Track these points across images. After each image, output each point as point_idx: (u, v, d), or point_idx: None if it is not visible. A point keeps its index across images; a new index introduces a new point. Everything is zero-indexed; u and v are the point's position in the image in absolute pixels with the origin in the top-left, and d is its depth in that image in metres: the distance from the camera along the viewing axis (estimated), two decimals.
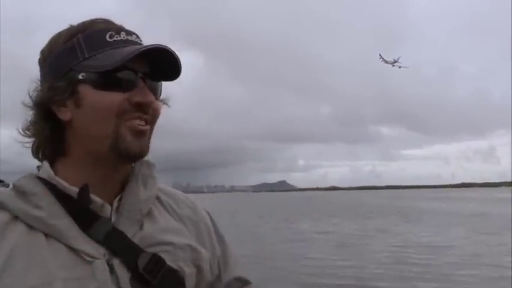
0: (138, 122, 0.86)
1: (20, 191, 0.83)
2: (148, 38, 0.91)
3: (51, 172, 0.87)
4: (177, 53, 0.87)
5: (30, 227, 0.80)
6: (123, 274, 0.83)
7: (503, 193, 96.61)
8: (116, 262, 0.83)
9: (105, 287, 0.80)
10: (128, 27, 0.92)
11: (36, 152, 0.91)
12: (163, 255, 0.87)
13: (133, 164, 0.95)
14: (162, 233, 0.91)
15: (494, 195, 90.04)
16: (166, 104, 0.96)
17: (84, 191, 0.84)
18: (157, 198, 0.98)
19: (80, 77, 0.85)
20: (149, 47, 0.84)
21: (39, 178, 0.86)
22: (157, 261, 0.86)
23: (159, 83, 0.93)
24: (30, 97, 0.88)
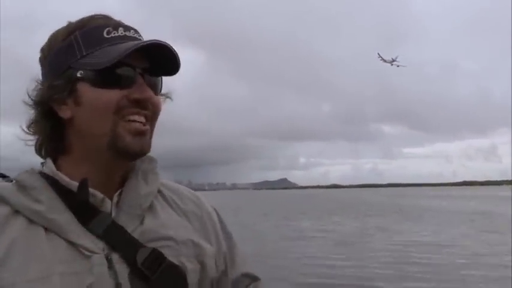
0: (137, 117, 0.86)
1: (20, 186, 0.84)
2: (150, 36, 0.89)
3: (54, 168, 0.88)
4: (178, 50, 0.87)
5: (31, 221, 0.81)
6: (122, 269, 0.82)
7: (505, 191, 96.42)
8: (114, 257, 0.83)
9: (102, 282, 0.80)
10: (129, 24, 0.91)
11: (40, 150, 0.92)
12: (164, 251, 0.86)
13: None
14: (164, 228, 0.90)
15: (495, 193, 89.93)
16: (170, 98, 0.96)
17: (83, 184, 0.84)
18: (161, 193, 0.97)
19: (78, 74, 0.85)
20: (146, 43, 0.84)
21: (42, 173, 0.87)
22: (156, 256, 0.85)
23: (159, 78, 0.92)
24: (30, 96, 0.89)
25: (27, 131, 0.91)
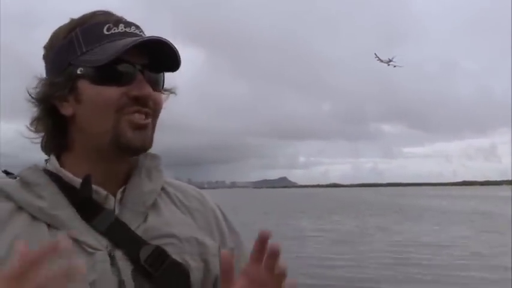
0: (137, 116, 0.85)
1: (24, 182, 0.85)
2: (150, 33, 0.90)
3: (57, 164, 0.88)
4: (179, 48, 0.86)
5: (34, 217, 0.81)
6: (125, 266, 0.82)
7: (504, 191, 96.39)
8: (117, 254, 0.82)
9: (105, 279, 0.80)
10: (131, 20, 0.91)
11: (45, 147, 0.92)
12: (167, 248, 0.86)
13: (138, 157, 0.94)
14: (167, 225, 0.90)
15: (495, 193, 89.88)
16: (174, 93, 0.96)
17: (86, 181, 0.84)
18: (165, 191, 0.97)
19: (79, 72, 0.85)
20: (144, 39, 0.83)
21: (45, 170, 0.88)
22: (160, 253, 0.85)
23: (161, 75, 0.92)
24: (31, 94, 0.89)
25: (31, 128, 0.91)
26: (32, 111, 0.90)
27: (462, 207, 39.96)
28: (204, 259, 0.91)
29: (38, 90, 0.88)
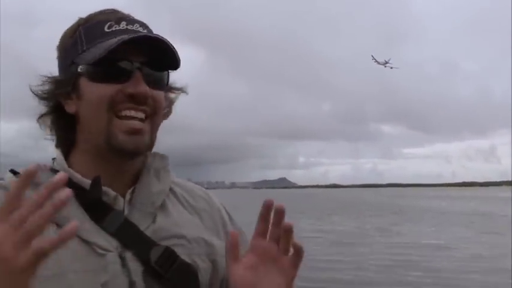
0: (133, 113, 0.84)
1: (33, 182, 0.83)
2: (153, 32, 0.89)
3: (65, 164, 0.88)
4: (178, 47, 0.86)
5: None
6: (136, 267, 0.82)
7: (504, 192, 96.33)
8: (128, 255, 0.83)
9: (116, 280, 0.80)
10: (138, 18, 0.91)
11: (56, 144, 0.93)
12: (176, 249, 0.87)
13: (147, 156, 0.95)
14: (176, 226, 0.90)
15: (495, 194, 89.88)
16: (185, 92, 0.96)
17: (96, 182, 0.84)
18: (172, 191, 0.97)
19: (79, 69, 0.85)
20: (134, 36, 0.83)
21: (53, 170, 0.88)
22: (170, 254, 0.85)
23: (164, 73, 0.90)
24: (36, 91, 0.89)
25: (39, 125, 0.91)
26: (39, 109, 0.91)
27: (462, 208, 39.93)
28: (212, 260, 0.91)
29: (43, 88, 0.89)
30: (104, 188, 0.85)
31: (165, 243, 0.86)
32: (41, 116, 0.91)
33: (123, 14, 0.90)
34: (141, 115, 0.85)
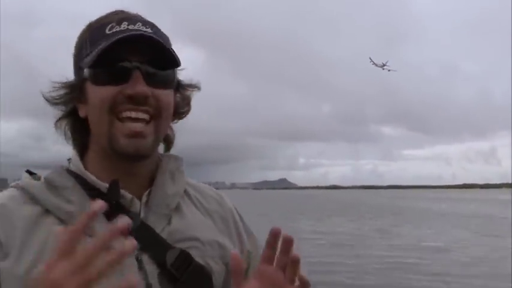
0: (133, 114, 0.83)
1: (51, 185, 0.85)
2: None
3: (81, 166, 0.89)
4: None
5: (61, 220, 0.82)
6: (152, 270, 0.83)
7: (504, 195, 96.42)
8: (144, 258, 0.83)
9: None
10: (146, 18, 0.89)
11: (73, 146, 0.94)
12: (191, 251, 0.87)
13: (160, 158, 0.95)
14: (190, 228, 0.91)
15: (495, 196, 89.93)
16: (198, 88, 0.95)
17: (114, 186, 0.85)
18: (186, 192, 0.97)
19: (84, 74, 0.85)
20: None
21: (69, 171, 0.89)
22: (185, 257, 0.86)
23: (167, 72, 0.88)
24: (49, 97, 0.90)
25: (55, 129, 0.93)
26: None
27: (462, 210, 39.91)
28: (225, 262, 0.91)
29: (56, 93, 0.90)
30: (121, 191, 0.86)
31: (179, 245, 0.87)
32: (58, 120, 0.92)
33: (128, 14, 0.89)
34: (143, 115, 0.84)
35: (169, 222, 0.89)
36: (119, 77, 0.83)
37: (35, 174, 0.90)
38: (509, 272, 10.77)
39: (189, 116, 0.98)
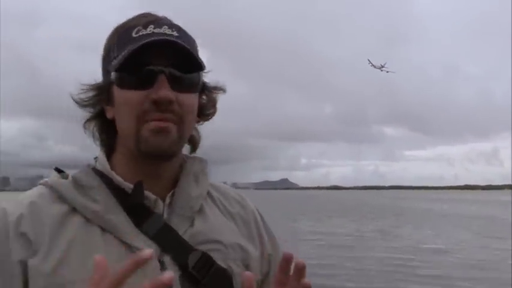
0: (160, 123, 0.84)
1: (78, 184, 0.87)
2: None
3: (108, 166, 0.90)
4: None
5: (87, 219, 0.83)
6: (174, 271, 0.80)
7: (506, 196, 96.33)
8: (166, 259, 0.84)
9: None
10: (173, 21, 0.90)
11: (101, 147, 0.96)
12: (212, 254, 0.87)
13: (185, 159, 0.97)
14: (213, 231, 0.91)
15: (497, 197, 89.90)
16: (223, 91, 0.96)
17: (138, 187, 0.86)
18: (209, 194, 0.98)
19: (111, 77, 0.87)
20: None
21: (95, 170, 0.91)
22: (207, 259, 0.86)
23: (192, 75, 0.88)
24: (78, 99, 0.92)
25: (84, 130, 0.95)
26: (85, 114, 0.94)
27: (464, 211, 39.88)
28: (246, 265, 0.92)
29: (85, 95, 0.92)
30: (145, 192, 0.87)
31: (201, 247, 0.87)
32: (86, 122, 0.94)
33: (155, 17, 0.89)
34: (166, 124, 0.84)
35: (192, 225, 0.90)
36: (144, 81, 0.83)
37: (63, 172, 0.92)
38: (510, 273, 10.73)
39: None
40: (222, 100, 0.98)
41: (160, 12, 0.91)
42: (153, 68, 0.83)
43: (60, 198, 0.85)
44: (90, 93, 0.91)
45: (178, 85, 0.85)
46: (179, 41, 0.83)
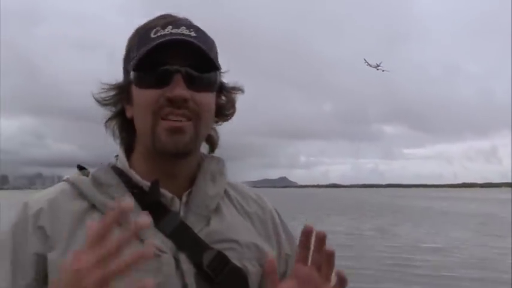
0: (173, 118, 0.85)
1: (97, 182, 0.89)
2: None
3: (127, 164, 0.92)
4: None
5: None
6: (189, 269, 0.84)
7: (504, 194, 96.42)
8: (182, 257, 0.84)
9: (170, 281, 0.82)
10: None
11: (120, 145, 0.98)
12: (228, 253, 0.88)
13: (203, 158, 0.97)
14: (229, 230, 0.92)
15: (495, 195, 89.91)
16: (241, 91, 0.97)
17: (155, 185, 0.88)
18: (227, 194, 0.99)
19: (131, 77, 0.89)
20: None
21: (114, 168, 0.93)
22: (222, 258, 0.87)
23: (209, 74, 0.89)
24: (97, 98, 0.94)
25: (105, 128, 0.97)
26: (106, 113, 0.96)
27: (462, 209, 39.87)
28: (261, 264, 0.92)
29: (106, 94, 0.94)
30: (162, 190, 0.88)
31: (217, 246, 0.88)
32: (107, 121, 0.96)
33: (174, 18, 0.91)
34: (180, 119, 0.86)
35: (208, 223, 0.90)
36: (161, 80, 0.85)
37: (85, 169, 0.94)
38: (509, 272, 10.68)
39: None
40: None
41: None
42: (168, 68, 0.85)
43: (81, 195, 0.88)
44: (111, 93, 0.94)
45: (194, 84, 0.86)
46: (195, 41, 0.85)
